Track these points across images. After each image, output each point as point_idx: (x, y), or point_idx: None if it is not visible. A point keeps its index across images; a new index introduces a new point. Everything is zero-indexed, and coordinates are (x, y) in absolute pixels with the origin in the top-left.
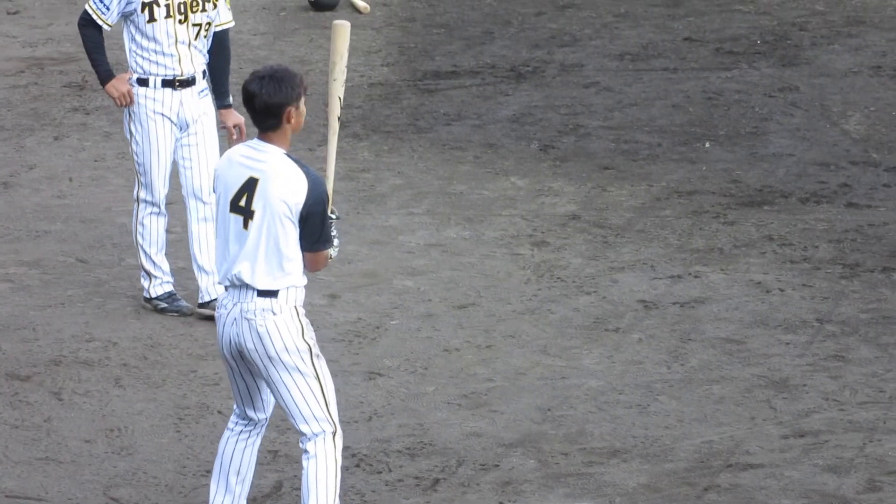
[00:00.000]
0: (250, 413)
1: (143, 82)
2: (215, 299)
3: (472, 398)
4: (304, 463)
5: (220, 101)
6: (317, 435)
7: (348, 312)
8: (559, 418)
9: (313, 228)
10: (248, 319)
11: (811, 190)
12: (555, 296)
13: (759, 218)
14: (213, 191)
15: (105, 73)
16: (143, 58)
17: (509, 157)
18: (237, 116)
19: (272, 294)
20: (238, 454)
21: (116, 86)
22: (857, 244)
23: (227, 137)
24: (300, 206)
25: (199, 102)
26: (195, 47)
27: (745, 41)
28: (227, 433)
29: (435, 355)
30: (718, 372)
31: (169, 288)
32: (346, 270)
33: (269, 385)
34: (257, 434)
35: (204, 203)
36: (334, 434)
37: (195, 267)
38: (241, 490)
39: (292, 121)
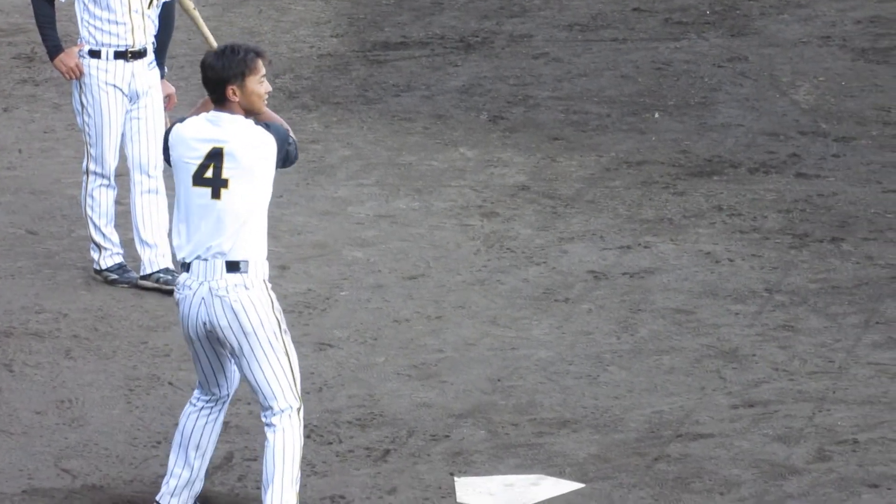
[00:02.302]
0: (214, 391)
1: (94, 54)
2: (158, 271)
3: (422, 369)
4: (270, 436)
5: (158, 71)
6: (283, 410)
7: (298, 283)
8: (509, 389)
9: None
10: (219, 297)
11: (760, 160)
12: (504, 266)
13: (708, 188)
14: (170, 163)
15: (54, 48)
16: (96, 27)
17: (458, 127)
18: (169, 86)
19: (242, 268)
20: (199, 429)
21: (64, 60)
22: (806, 214)
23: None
24: (277, 156)
25: (148, 74)
26: (148, 16)
27: (694, 11)
28: (188, 408)
29: (385, 326)
30: (668, 342)
31: (119, 259)
32: (295, 241)
33: (239, 361)
34: (219, 410)
35: (149, 176)
36: (299, 410)
37: (137, 240)
38: (201, 464)
39: (236, 98)
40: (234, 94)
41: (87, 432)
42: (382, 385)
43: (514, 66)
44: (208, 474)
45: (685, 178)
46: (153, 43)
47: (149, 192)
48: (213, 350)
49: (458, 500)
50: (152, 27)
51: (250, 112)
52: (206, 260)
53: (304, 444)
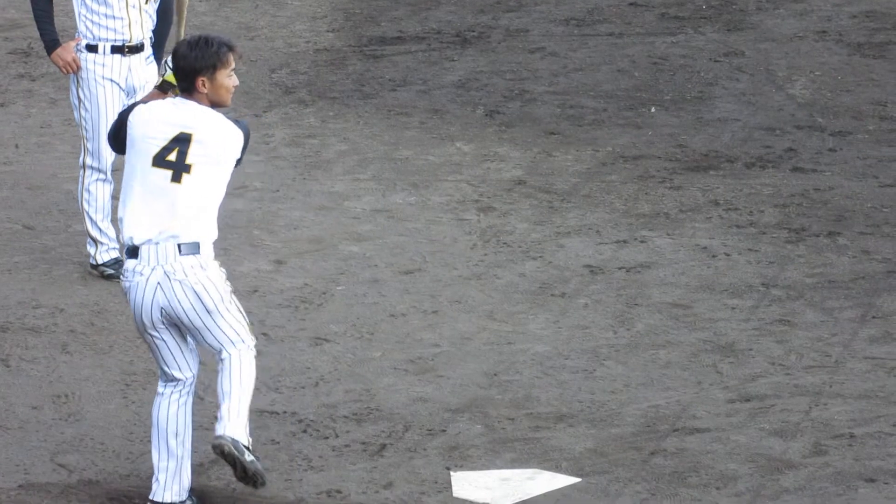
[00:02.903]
0: (177, 374)
1: (91, 48)
2: None
3: (418, 363)
4: (225, 364)
5: (155, 66)
6: (236, 345)
7: (294, 278)
8: (505, 383)
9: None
10: (178, 280)
11: (757, 154)
12: (501, 261)
13: (704, 183)
14: (120, 144)
15: (51, 42)
16: (93, 22)
17: (455, 122)
18: None
19: (196, 249)
20: (173, 417)
21: (61, 55)
22: (802, 209)
23: None
24: (239, 154)
25: (146, 69)
26: (146, 11)
27: (690, 6)
28: (157, 399)
29: (381, 321)
30: (664, 337)
31: (115, 254)
32: (291, 236)
33: (198, 335)
34: (188, 393)
35: None
36: (252, 349)
37: None
38: (184, 451)
39: (205, 90)
40: (204, 85)
41: (83, 427)
42: (379, 380)
43: (510, 60)
44: (205, 469)
45: (682, 172)
46: (151, 38)
47: None
48: (170, 333)
49: (454, 495)
50: (150, 22)
51: (216, 104)
52: (157, 244)
53: (300, 439)
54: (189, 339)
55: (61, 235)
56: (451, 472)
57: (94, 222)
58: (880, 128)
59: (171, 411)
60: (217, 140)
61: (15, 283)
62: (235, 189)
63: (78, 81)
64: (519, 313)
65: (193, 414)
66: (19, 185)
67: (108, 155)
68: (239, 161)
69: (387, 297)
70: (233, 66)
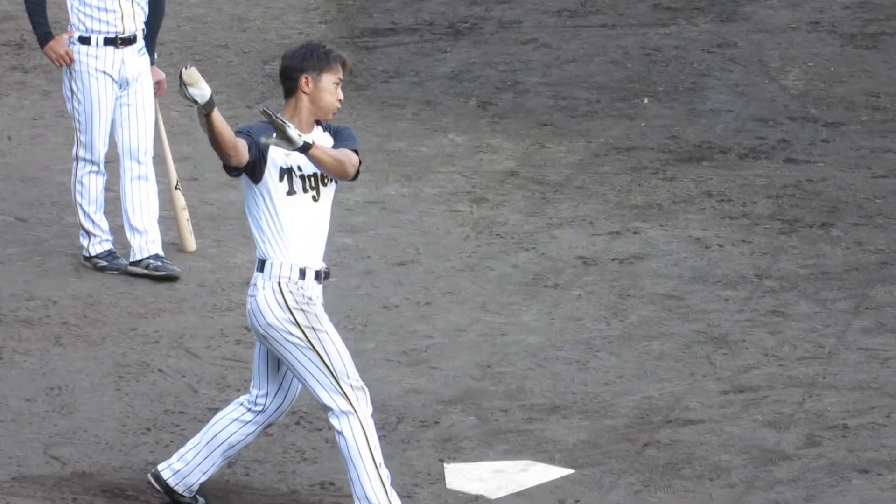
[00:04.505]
0: (252, 385)
1: (84, 40)
2: (147, 258)
3: (411, 355)
4: (336, 437)
5: (148, 58)
6: (334, 411)
7: None
8: (499, 375)
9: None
10: (248, 295)
11: (750, 146)
12: (494, 252)
13: (697, 174)
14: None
15: (44, 35)
16: (86, 14)
17: (448, 113)
18: (159, 73)
19: (262, 267)
20: (224, 422)
21: (54, 47)
22: (795, 200)
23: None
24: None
25: (138, 61)
26: (138, 3)
27: None
28: (231, 405)
29: (374, 312)
30: (658, 328)
31: (108, 246)
32: None
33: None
34: (252, 417)
35: (139, 163)
36: (356, 410)
37: (127, 226)
38: (212, 461)
39: (308, 90)
40: (307, 84)
41: (76, 419)
42: (372, 371)
43: (503, 52)
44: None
45: (675, 163)
46: (143, 30)
47: (138, 178)
48: (259, 343)
49: (447, 486)
50: (142, 14)
51: (319, 113)
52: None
53: (293, 431)
54: (281, 368)
55: (54, 227)
56: (445, 464)
57: (86, 214)
58: (873, 118)
59: (228, 416)
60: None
61: (8, 276)
62: (229, 181)
63: (71, 73)
64: (512, 305)
65: (214, 426)
66: (12, 177)
67: (101, 147)
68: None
69: (380, 288)
70: (340, 75)
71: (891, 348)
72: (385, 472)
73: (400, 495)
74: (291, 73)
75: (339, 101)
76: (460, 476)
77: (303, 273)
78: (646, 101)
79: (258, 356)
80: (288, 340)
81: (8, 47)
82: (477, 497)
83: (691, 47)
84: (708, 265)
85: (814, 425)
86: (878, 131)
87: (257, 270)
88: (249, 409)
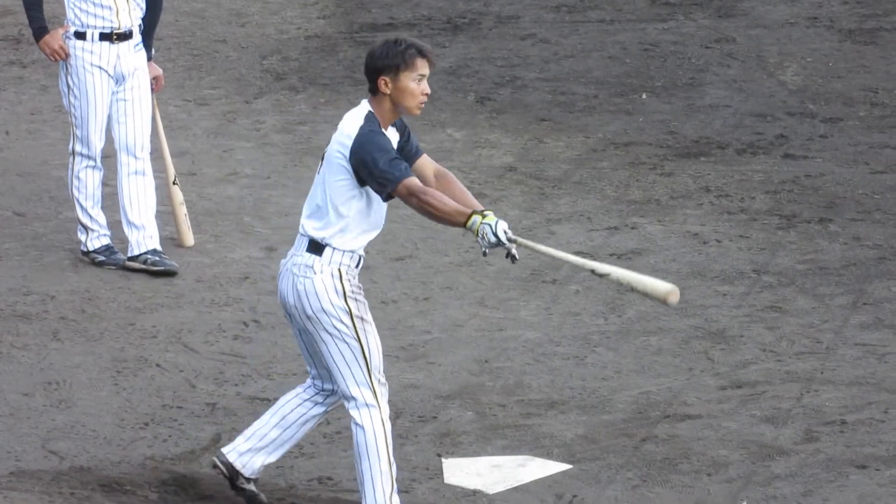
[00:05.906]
0: (309, 369)
1: (80, 35)
2: (145, 253)
3: (409, 350)
4: (353, 429)
5: (145, 53)
6: (355, 401)
7: None
8: (497, 370)
9: (367, 173)
10: (294, 274)
11: (748, 141)
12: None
13: (695, 169)
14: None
15: (39, 29)
16: (81, 10)
17: (446, 109)
18: (156, 69)
19: (318, 250)
20: (291, 404)
21: (49, 42)
22: (793, 195)
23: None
24: (348, 151)
25: (134, 56)
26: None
27: None
28: (298, 388)
29: (372, 307)
30: (656, 323)
31: (106, 241)
32: (282, 223)
33: (314, 345)
34: (313, 396)
35: (136, 158)
36: (379, 405)
37: (124, 221)
38: (276, 441)
39: (387, 90)
40: (386, 85)
41: (74, 414)
42: None
43: (501, 47)
44: (196, 456)
45: (673, 159)
46: (140, 25)
47: (136, 173)
48: (298, 328)
49: (445, 481)
50: (138, 10)
51: (402, 110)
52: (300, 235)
53: None
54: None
55: (52, 222)
56: (443, 459)
57: (84, 209)
58: (871, 114)
59: (299, 396)
60: (336, 136)
61: (5, 270)
62: (227, 176)
63: (67, 69)
64: (510, 300)
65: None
66: (10, 172)
67: (98, 142)
68: (366, 164)
69: (378, 283)
70: (421, 71)
71: (888, 344)
72: (395, 470)
73: (398, 490)
74: (370, 74)
75: (425, 94)
76: (458, 471)
77: (359, 261)
78: (644, 96)
79: (300, 344)
80: (335, 327)
81: (6, 42)
82: (475, 492)
83: (689, 43)
84: (706, 260)
85: (811, 421)
86: (877, 127)
87: (310, 251)
88: (318, 392)
